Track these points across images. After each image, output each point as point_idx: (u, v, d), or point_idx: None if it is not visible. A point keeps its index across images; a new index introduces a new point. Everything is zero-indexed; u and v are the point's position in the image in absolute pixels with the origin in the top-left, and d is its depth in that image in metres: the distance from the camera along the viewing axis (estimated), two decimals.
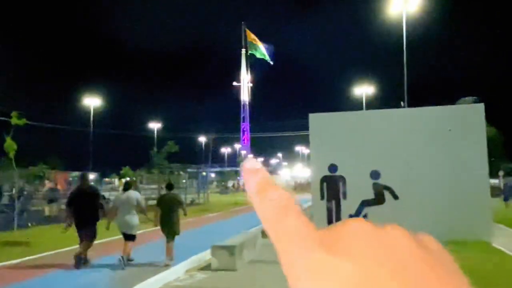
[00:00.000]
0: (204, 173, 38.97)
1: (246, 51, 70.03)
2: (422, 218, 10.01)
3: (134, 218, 7.92)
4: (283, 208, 0.29)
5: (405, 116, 10.60)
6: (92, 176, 55.43)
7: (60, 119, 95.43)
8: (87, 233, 7.84)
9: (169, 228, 7.83)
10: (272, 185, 0.30)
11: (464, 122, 10.11)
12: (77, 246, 7.89)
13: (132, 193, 8.28)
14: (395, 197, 10.28)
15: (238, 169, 73.60)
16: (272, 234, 0.28)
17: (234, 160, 78.37)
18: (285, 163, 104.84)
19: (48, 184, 22.41)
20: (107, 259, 8.04)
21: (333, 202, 10.60)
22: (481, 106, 9.99)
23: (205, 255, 7.87)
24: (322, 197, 10.67)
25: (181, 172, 35.72)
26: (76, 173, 47.98)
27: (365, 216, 10.34)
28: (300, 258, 0.26)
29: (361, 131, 10.74)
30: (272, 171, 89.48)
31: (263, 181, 0.30)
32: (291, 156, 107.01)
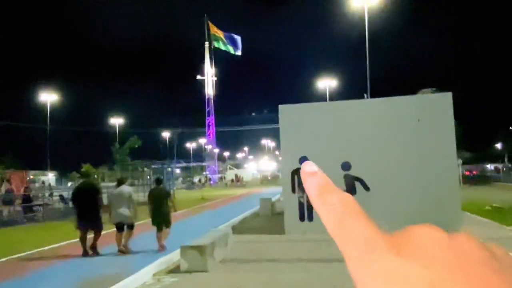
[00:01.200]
0: (169, 169, 38.06)
1: (210, 44, 69.01)
2: (393, 209, 9.95)
3: (126, 210, 8.62)
4: (345, 212, 0.29)
5: (375, 106, 10.49)
6: (50, 175, 53.11)
7: (16, 116, 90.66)
8: (94, 226, 8.62)
9: (161, 219, 8.63)
10: (331, 188, 0.31)
11: (433, 111, 10.11)
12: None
13: (125, 188, 8.97)
14: (366, 188, 10.17)
15: (204, 164, 72.83)
16: (336, 239, 0.28)
17: (200, 155, 77.39)
18: (251, 157, 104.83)
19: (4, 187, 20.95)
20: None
21: (305, 195, 10.30)
22: (449, 95, 10.02)
23: (174, 257, 7.40)
24: (293, 190, 10.41)
25: (145, 168, 35.25)
26: (35, 172, 45.77)
27: None
28: (369, 262, 0.26)
29: (332, 122, 10.54)
30: (238, 165, 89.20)
31: (322, 184, 0.31)
32: (257, 149, 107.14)
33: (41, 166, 51.70)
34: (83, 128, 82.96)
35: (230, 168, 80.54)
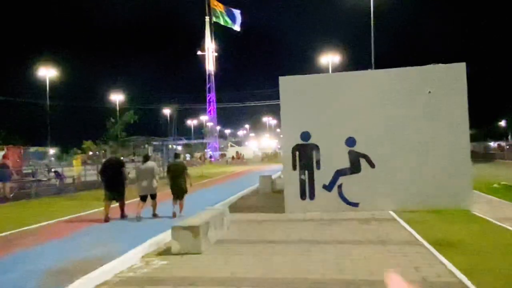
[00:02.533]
0: (170, 146, 37.57)
1: (210, 19, 67.30)
2: (401, 187, 9.45)
3: (153, 183, 9.97)
4: None
5: (383, 78, 9.80)
6: (52, 151, 52.76)
7: (16, 91, 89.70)
8: (119, 195, 10.01)
9: (178, 189, 9.82)
10: None
11: (445, 83, 9.43)
12: None
13: (150, 164, 10.24)
14: (372, 165, 9.62)
15: (204, 141, 72.31)
16: None
17: (201, 133, 76.72)
18: (252, 134, 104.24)
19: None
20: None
21: (306, 172, 9.83)
22: (462, 66, 9.32)
23: (165, 237, 6.91)
24: (294, 168, 9.86)
25: (146, 145, 35.15)
26: (35, 148, 45.43)
27: (340, 187, 9.66)
28: None
29: (336, 95, 9.90)
30: (239, 142, 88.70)
31: None
32: (258, 127, 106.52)
33: (42, 142, 51.24)
34: (83, 104, 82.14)
35: (231, 146, 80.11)
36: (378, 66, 26.61)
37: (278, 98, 10.24)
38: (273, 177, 16.50)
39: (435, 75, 9.54)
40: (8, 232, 8.72)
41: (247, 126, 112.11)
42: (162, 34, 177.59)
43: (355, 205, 9.61)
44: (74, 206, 12.71)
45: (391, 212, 9.19)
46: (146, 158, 10.45)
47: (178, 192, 9.84)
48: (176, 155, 11.04)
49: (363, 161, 9.64)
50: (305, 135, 9.84)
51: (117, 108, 54.21)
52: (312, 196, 9.75)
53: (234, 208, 10.85)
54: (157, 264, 5.70)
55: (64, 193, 16.48)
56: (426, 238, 6.57)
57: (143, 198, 9.91)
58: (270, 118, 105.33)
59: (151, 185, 9.93)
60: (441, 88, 9.44)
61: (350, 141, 9.70)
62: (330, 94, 9.88)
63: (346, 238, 6.91)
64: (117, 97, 55.83)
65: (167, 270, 5.40)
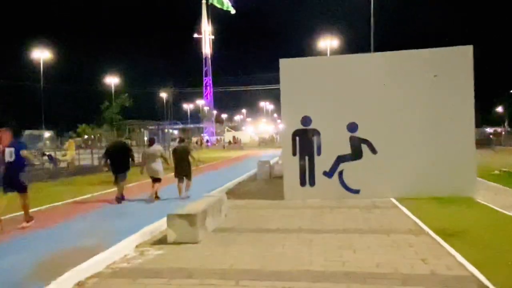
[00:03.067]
0: (166, 130, 37.14)
1: (207, 1, 66.11)
2: (403, 174, 9.20)
3: (159, 166, 10.33)
4: None
5: (387, 61, 9.45)
6: (47, 134, 52.22)
7: (10, 74, 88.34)
8: (121, 178, 10.10)
9: (183, 172, 10.32)
10: None
11: (451, 66, 9.11)
12: None
13: (156, 147, 10.67)
14: (374, 151, 9.35)
15: (201, 126, 71.87)
16: None
17: (197, 117, 76.15)
18: (249, 119, 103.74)
19: None
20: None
21: (306, 158, 9.55)
22: (469, 49, 8.98)
23: (161, 225, 6.64)
24: (294, 153, 9.58)
25: (142, 129, 34.72)
26: (28, 132, 44.88)
27: (341, 173, 9.40)
28: None
29: (337, 79, 9.56)
30: (236, 127, 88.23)
31: None
32: (255, 112, 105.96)
33: (37, 126, 50.67)
34: (78, 88, 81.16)
35: (228, 130, 79.71)
36: (378, 50, 26.16)
37: (275, 82, 9.94)
38: (271, 162, 16.23)
39: (441, 59, 9.21)
40: None
41: (244, 111, 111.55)
42: (158, 16, 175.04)
43: (356, 192, 9.37)
44: (67, 191, 12.40)
45: (393, 200, 8.96)
46: (152, 142, 10.90)
47: (183, 174, 10.35)
48: (181, 139, 11.49)
49: (364, 147, 9.36)
50: (306, 120, 9.53)
51: (113, 92, 53.52)
52: (312, 183, 9.50)
53: (232, 194, 10.60)
54: (152, 254, 5.44)
55: (57, 178, 16.13)
56: (431, 227, 6.34)
57: (153, 180, 10.33)
58: (267, 103, 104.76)
59: (157, 168, 10.27)
60: (446, 72, 9.12)
61: (352, 127, 9.40)
62: (332, 77, 9.53)
63: (348, 226, 6.67)
64: (112, 80, 55.06)
65: (162, 260, 5.15)
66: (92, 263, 4.93)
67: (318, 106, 9.54)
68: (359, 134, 9.38)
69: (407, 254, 5.09)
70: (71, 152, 19.20)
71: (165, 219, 6.16)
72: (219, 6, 62.17)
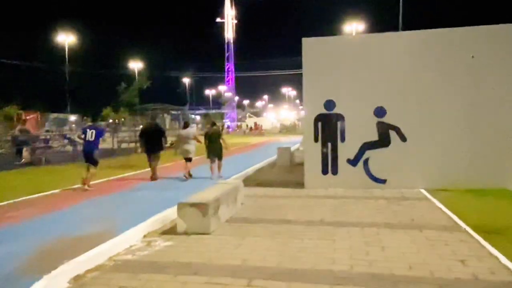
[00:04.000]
0: (191, 116, 37.04)
1: None
2: (435, 163, 8.50)
3: (192, 146, 11.24)
4: None
5: (418, 40, 8.67)
6: (73, 117, 52.95)
7: (37, 57, 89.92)
8: (155, 158, 11.11)
9: (215, 153, 11.07)
10: None
11: (491, 47, 8.27)
12: None
13: (190, 129, 11.73)
14: (403, 138, 8.66)
15: (223, 111, 71.50)
16: None
17: (219, 103, 75.80)
18: (271, 105, 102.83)
19: (18, 126, 20.08)
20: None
21: (329, 145, 8.95)
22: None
23: (172, 213, 6.22)
24: (316, 139, 8.98)
25: (165, 114, 34.93)
26: (55, 115, 45.53)
27: (366, 161, 8.77)
28: None
29: (365, 60, 8.85)
30: (258, 113, 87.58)
31: None
32: (277, 98, 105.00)
33: (62, 109, 51.40)
34: (102, 72, 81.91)
35: (249, 116, 79.25)
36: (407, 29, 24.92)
37: (298, 67, 9.26)
38: (291, 148, 15.67)
39: (480, 38, 8.37)
40: (5, 202, 8.23)
41: (265, 97, 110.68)
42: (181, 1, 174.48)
43: (382, 181, 8.74)
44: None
45: (422, 191, 8.30)
46: (187, 125, 11.82)
47: (215, 155, 11.07)
48: (213, 123, 12.16)
49: (393, 134, 8.68)
50: (330, 104, 8.90)
51: (136, 76, 53.55)
52: (335, 171, 8.91)
53: (250, 181, 10.12)
54: (160, 245, 5.01)
55: (77, 160, 16.02)
56: (468, 223, 5.69)
57: (186, 160, 11.18)
58: (290, 89, 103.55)
59: (189, 148, 11.15)
60: (486, 53, 8.29)
61: (379, 111, 8.72)
62: (358, 58, 8.84)
63: (375, 220, 6.09)
64: (135, 65, 55.09)
65: (169, 253, 4.72)
66: (94, 254, 4.55)
67: (343, 89, 8.89)
68: (387, 119, 8.69)
69: (443, 254, 4.50)
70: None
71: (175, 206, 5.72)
72: None
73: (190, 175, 11.11)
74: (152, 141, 11.04)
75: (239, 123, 70.59)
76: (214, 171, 11.01)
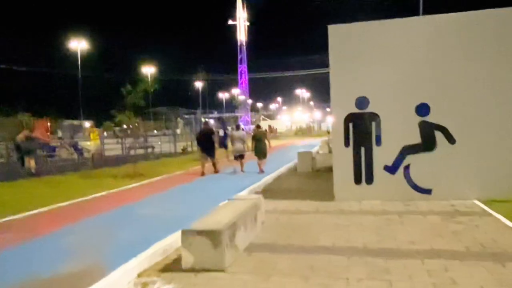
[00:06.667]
0: (203, 119, 36.18)
1: None
2: (489, 168, 7.11)
3: (244, 146, 13.00)
4: None
5: (470, 23, 7.31)
6: (87, 124, 52.45)
7: (54, 65, 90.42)
8: (211, 156, 13.07)
9: (260, 152, 12.71)
10: None
11: None
12: None
13: (241, 131, 13.63)
14: (451, 140, 7.30)
15: (236, 115, 70.40)
16: None
17: (233, 106, 74.74)
18: (285, 108, 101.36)
19: (23, 133, 19.13)
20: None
21: (362, 150, 7.64)
22: None
23: (177, 240, 4.98)
24: (347, 143, 7.68)
25: (178, 118, 34.05)
26: (68, 122, 44.97)
27: (407, 168, 7.43)
28: None
29: (403, 48, 7.53)
30: (272, 116, 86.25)
31: None
32: (291, 100, 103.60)
33: (75, 116, 50.94)
34: (115, 76, 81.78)
35: (263, 119, 77.98)
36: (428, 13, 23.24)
37: (312, 67, 7.99)
38: (313, 153, 14.37)
39: None
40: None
41: (279, 99, 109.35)
42: (194, 3, 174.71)
43: (427, 192, 7.38)
44: (84, 186, 11.10)
45: (477, 202, 6.94)
46: (238, 127, 14.07)
47: (261, 153, 12.69)
48: (258, 126, 14.34)
49: (439, 135, 7.32)
50: (362, 101, 7.60)
51: (149, 79, 52.75)
52: (369, 180, 7.59)
53: (270, 192, 8.87)
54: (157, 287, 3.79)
55: (79, 170, 15.00)
56: None
57: (236, 158, 13.01)
58: (303, 91, 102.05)
59: (242, 148, 12.95)
60: None
61: (422, 109, 7.38)
62: (395, 46, 7.51)
63: (434, 246, 4.76)
64: (148, 70, 54.31)
65: None
66: None
67: (377, 84, 7.58)
68: (431, 118, 7.34)
69: None
70: (95, 142, 18.07)
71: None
72: None
73: (242, 171, 12.87)
74: (207, 143, 12.96)
75: (253, 126, 69.39)
76: (260, 166, 12.62)
